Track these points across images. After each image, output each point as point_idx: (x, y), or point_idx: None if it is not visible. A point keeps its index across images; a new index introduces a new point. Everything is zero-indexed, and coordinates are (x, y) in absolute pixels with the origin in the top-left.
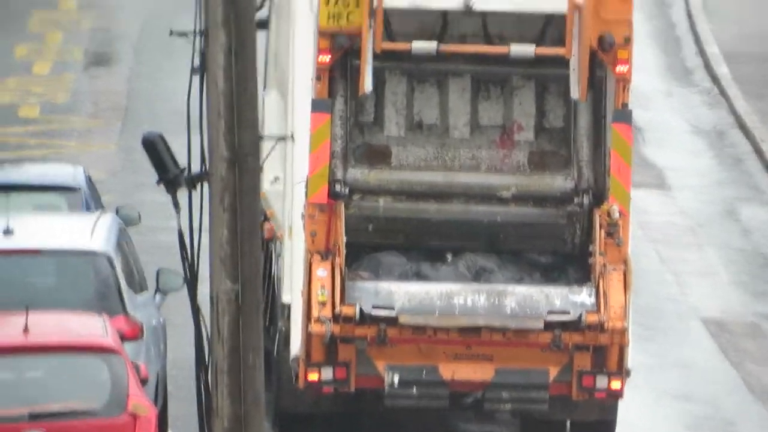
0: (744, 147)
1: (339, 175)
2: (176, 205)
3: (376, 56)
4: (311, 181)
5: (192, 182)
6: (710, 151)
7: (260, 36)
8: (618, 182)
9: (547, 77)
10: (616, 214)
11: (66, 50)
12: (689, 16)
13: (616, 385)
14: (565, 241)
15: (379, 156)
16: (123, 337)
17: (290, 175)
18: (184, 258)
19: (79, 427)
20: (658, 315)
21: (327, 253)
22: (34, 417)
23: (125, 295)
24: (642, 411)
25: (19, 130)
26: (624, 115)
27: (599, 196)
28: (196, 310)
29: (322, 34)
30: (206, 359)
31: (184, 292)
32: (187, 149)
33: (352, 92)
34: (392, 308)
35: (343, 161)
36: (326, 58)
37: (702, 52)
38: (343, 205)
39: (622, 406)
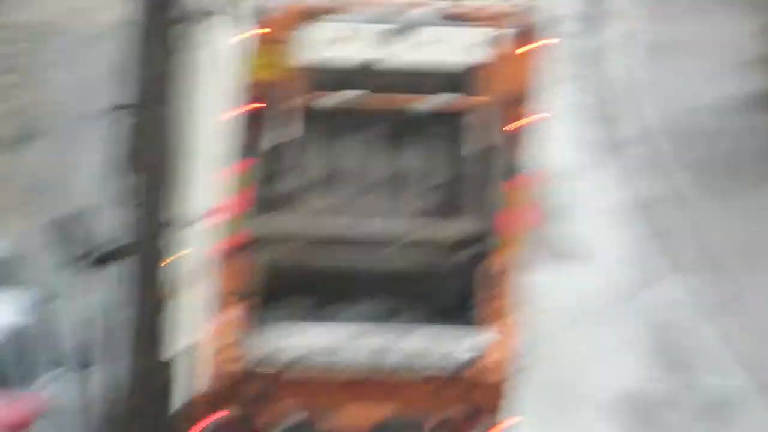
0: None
1: (248, 221)
2: (88, 283)
3: (295, 106)
4: (223, 227)
5: (104, 261)
6: (634, 225)
7: None
8: (512, 231)
9: (446, 130)
10: (510, 262)
11: None
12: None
13: None
14: (460, 286)
15: (285, 203)
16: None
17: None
18: (96, 333)
19: None
20: (568, 392)
21: (234, 297)
22: None
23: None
24: None
25: None
26: (520, 168)
27: (493, 245)
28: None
29: (247, 84)
30: None
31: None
32: (99, 230)
33: (266, 141)
34: (279, 364)
35: (251, 208)
36: (250, 108)
37: (626, 129)
38: (251, 251)
39: None
